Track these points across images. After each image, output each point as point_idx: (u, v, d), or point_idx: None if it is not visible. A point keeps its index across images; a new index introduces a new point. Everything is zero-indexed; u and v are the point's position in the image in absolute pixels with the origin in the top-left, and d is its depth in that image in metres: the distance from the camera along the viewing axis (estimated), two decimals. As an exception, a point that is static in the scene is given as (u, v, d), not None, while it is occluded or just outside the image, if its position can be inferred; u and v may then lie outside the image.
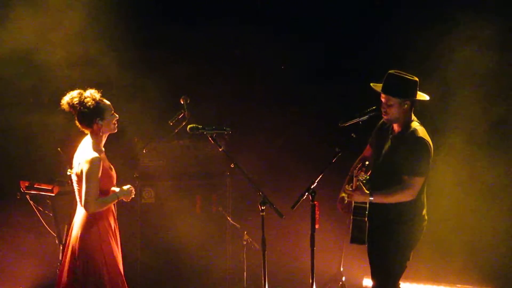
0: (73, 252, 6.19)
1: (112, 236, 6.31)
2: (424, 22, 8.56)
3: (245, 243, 8.27)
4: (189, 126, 6.67)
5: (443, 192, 8.47)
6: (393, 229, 6.48)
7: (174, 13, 9.32)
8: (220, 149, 6.65)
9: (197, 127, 6.63)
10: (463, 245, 8.62)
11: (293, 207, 6.43)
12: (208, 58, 9.38)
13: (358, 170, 6.39)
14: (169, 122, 8.26)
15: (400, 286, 6.64)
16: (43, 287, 8.63)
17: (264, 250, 6.55)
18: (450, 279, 8.55)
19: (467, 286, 8.46)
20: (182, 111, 8.20)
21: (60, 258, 7.51)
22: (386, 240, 6.50)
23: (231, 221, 8.62)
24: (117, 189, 6.38)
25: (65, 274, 6.21)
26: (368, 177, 6.46)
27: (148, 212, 8.73)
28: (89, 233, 6.18)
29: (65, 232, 7.52)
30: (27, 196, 7.59)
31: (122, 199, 6.37)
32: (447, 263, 8.61)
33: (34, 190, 7.55)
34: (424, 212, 6.58)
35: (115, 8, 8.88)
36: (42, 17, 8.60)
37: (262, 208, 6.48)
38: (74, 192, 6.31)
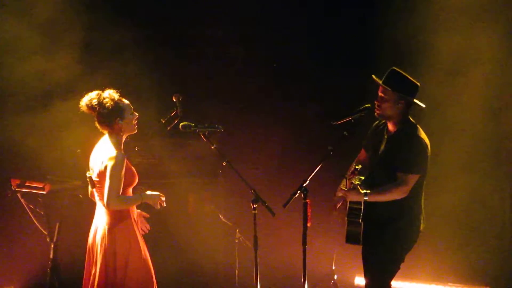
0: (104, 256, 6.16)
1: (138, 232, 6.33)
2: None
3: (237, 241, 8.27)
4: (181, 124, 6.67)
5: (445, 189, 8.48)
6: (388, 230, 6.47)
7: (172, 11, 9.34)
8: (212, 147, 6.64)
9: (190, 125, 6.62)
10: (460, 243, 8.63)
11: (285, 205, 6.38)
12: (202, 56, 9.39)
13: (350, 174, 6.44)
14: (161, 119, 8.26)
15: (392, 285, 6.63)
16: (33, 286, 8.60)
17: (256, 248, 6.54)
18: (446, 278, 8.56)
19: (462, 285, 8.47)
20: (175, 108, 8.20)
21: (51, 256, 7.49)
22: (380, 240, 6.50)
23: (223, 219, 8.61)
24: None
25: (97, 278, 6.17)
26: (360, 181, 6.44)
27: (139, 210, 8.70)
28: (118, 232, 6.20)
29: (56, 231, 7.50)
30: (18, 194, 7.55)
31: (148, 203, 6.40)
32: (443, 262, 8.61)
33: (25, 188, 7.51)
34: (422, 215, 6.57)
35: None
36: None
37: (254, 206, 6.47)
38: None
